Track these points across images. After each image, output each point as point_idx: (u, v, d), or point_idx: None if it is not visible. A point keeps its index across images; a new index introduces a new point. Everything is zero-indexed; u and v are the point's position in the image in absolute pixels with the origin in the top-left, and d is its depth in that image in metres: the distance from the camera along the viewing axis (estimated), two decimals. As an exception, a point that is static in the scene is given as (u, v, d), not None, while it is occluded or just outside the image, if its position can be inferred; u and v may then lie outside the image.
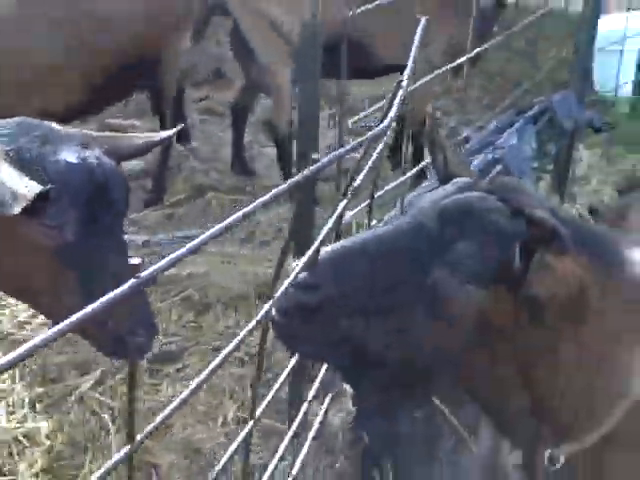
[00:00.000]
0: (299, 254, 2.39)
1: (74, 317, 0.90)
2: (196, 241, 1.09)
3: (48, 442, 2.40)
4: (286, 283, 1.25)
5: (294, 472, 2.10)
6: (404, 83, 1.59)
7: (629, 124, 5.44)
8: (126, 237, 3.40)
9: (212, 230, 1.15)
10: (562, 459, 1.54)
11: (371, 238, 1.37)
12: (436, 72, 2.47)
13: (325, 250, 1.35)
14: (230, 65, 5.91)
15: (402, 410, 1.95)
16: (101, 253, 1.75)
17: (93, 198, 1.73)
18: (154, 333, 1.87)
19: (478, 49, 2.77)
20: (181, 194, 4.13)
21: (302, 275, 1.31)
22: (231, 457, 1.37)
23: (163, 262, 0.88)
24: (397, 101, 1.52)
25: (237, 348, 1.30)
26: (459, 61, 2.64)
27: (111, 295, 0.86)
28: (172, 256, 0.91)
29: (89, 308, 0.92)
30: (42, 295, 1.78)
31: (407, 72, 1.68)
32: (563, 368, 1.42)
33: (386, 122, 1.46)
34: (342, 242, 1.41)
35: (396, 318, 1.33)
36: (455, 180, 1.41)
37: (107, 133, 2.04)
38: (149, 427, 0.96)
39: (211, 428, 2.55)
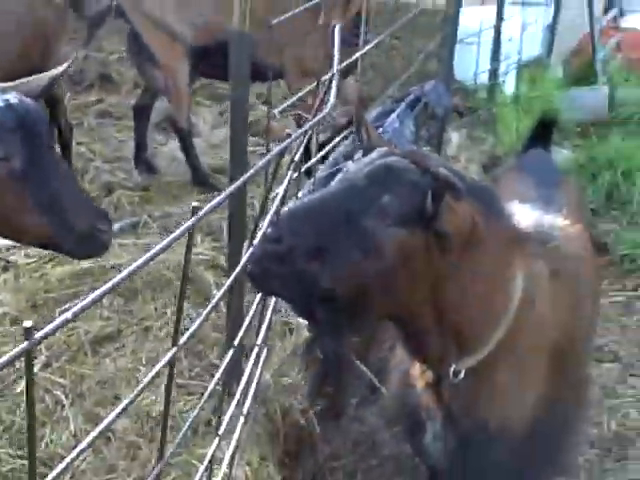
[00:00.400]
0: (234, 247, 2.73)
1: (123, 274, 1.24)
2: (201, 213, 1.45)
3: (10, 418, 2.64)
4: (257, 238, 1.62)
5: (239, 426, 2.47)
6: (336, 75, 1.98)
7: (487, 108, 6.10)
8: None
9: (204, 209, 1.51)
10: (462, 373, 1.96)
11: (317, 198, 1.75)
12: (344, 64, 2.84)
13: (283, 210, 1.72)
14: (115, 69, 6.14)
15: (347, 332, 2.31)
16: (45, 174, 2.15)
17: (24, 131, 2.11)
18: (110, 223, 2.29)
19: (367, 47, 3.18)
20: (90, 193, 4.34)
21: (268, 230, 1.69)
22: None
23: (217, 200, 1.24)
24: (334, 88, 1.91)
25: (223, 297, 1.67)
26: (353, 58, 3.05)
27: (177, 232, 1.20)
28: (222, 195, 1.26)
29: (148, 256, 1.27)
30: (5, 219, 2.15)
31: (335, 67, 2.07)
32: (462, 289, 1.83)
33: (331, 104, 1.85)
34: (296, 202, 1.78)
35: (340, 259, 1.70)
36: (377, 150, 1.81)
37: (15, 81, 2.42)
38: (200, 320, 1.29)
39: (155, 394, 2.86)
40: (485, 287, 1.85)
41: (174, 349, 1.50)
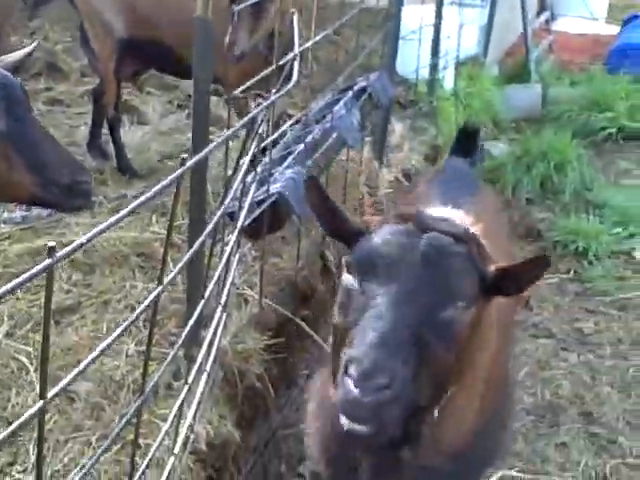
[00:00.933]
0: (194, 226, 2.85)
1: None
2: (190, 162, 1.60)
3: (-24, 382, 2.72)
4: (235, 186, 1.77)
5: (201, 386, 2.60)
6: (297, 56, 2.14)
7: (428, 101, 6.35)
8: (5, 215, 3.72)
9: (194, 159, 1.66)
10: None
11: (388, 315, 1.57)
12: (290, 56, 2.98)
13: (357, 353, 1.53)
14: (61, 58, 6.18)
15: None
16: (27, 135, 2.37)
17: (5, 97, 2.34)
18: (90, 175, 2.52)
19: (311, 42, 3.31)
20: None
21: (363, 381, 1.48)
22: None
23: (193, 160, 1.38)
24: (296, 67, 2.07)
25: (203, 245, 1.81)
26: (301, 49, 3.19)
27: (172, 176, 1.34)
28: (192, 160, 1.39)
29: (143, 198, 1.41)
30: None
31: (296, 47, 2.23)
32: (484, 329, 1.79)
33: (294, 79, 2.01)
34: (366, 336, 1.56)
35: (434, 367, 1.61)
36: (395, 230, 1.71)
37: None
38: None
39: (117, 360, 2.97)
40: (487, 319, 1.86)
41: (159, 288, 1.66)
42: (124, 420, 1.89)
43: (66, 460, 2.48)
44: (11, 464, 2.46)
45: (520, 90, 8.26)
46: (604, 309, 5.26)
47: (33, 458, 2.46)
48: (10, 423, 2.62)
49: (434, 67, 6.49)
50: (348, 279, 1.72)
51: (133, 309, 3.28)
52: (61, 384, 1.38)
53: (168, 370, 3.06)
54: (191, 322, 2.30)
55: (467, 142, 3.64)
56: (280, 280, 3.69)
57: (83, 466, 2.46)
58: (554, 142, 6.93)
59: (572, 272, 5.68)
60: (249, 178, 2.95)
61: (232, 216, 3.04)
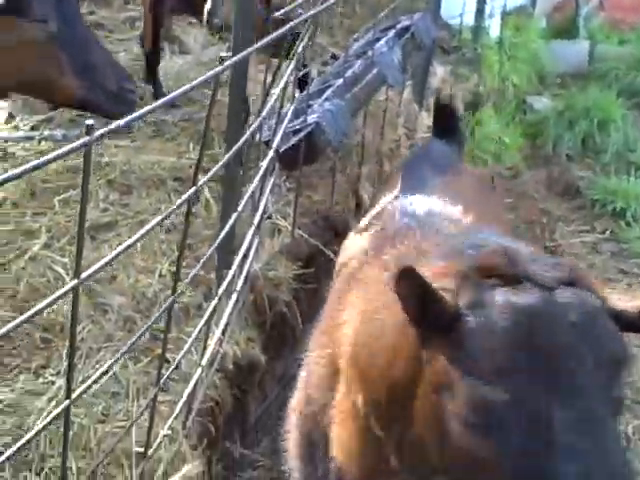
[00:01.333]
0: (230, 142, 2.84)
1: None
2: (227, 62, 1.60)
3: (13, 287, 2.78)
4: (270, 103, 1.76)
5: (229, 307, 2.63)
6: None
7: (473, 48, 6.24)
8: (46, 132, 3.75)
9: (198, 80, 1.66)
10: None
11: (587, 439, 1.21)
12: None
13: None
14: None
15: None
16: (77, 38, 2.41)
17: None
18: (134, 85, 2.59)
19: None
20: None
21: None
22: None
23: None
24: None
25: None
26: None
27: (203, 77, 1.34)
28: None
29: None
30: (45, 80, 2.38)
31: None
32: None
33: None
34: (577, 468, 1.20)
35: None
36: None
37: None
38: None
39: (150, 278, 3.01)
40: None
41: (193, 188, 1.69)
42: (156, 315, 1.93)
43: (97, 367, 2.53)
44: (44, 367, 2.52)
45: (567, 45, 8.09)
46: (639, 271, 5.21)
47: (65, 363, 2.51)
48: (46, 329, 2.68)
49: (480, 13, 6.35)
50: (480, 390, 1.25)
51: (168, 230, 3.31)
52: (96, 266, 1.41)
53: (199, 291, 3.10)
54: (223, 233, 2.32)
55: (445, 120, 3.36)
56: (313, 213, 3.69)
57: (109, 369, 2.51)
58: (599, 100, 6.80)
59: (609, 232, 5.62)
60: (286, 104, 2.93)
61: (269, 144, 3.03)
